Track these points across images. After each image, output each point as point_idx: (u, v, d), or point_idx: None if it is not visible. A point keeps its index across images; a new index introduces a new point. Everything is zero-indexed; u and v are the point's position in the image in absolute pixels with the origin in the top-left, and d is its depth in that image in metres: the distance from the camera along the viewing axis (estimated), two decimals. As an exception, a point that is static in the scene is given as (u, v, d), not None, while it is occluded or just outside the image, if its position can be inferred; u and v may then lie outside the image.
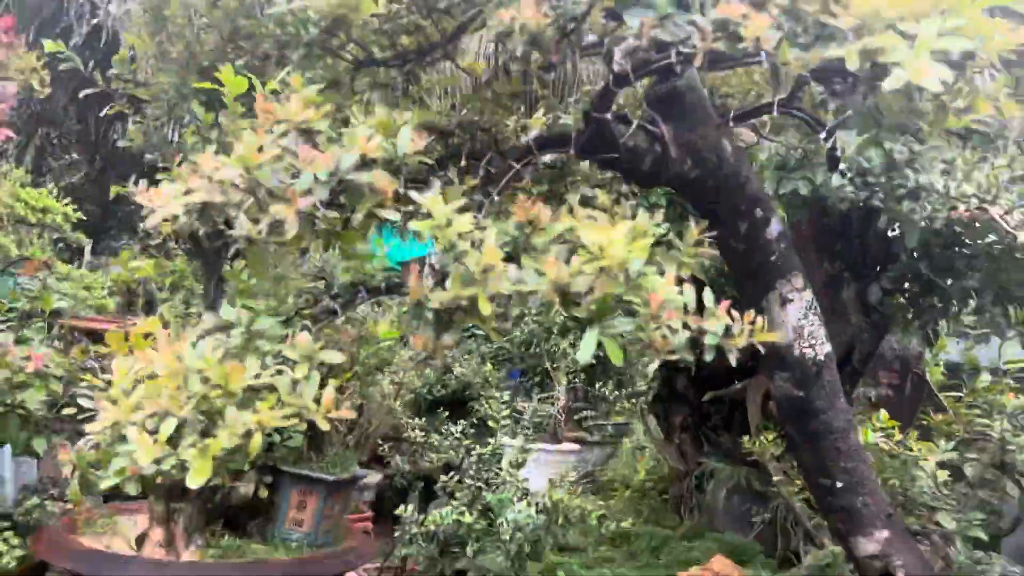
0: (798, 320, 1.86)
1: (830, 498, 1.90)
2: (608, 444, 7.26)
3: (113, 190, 4.25)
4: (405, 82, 1.49)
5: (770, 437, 3.61)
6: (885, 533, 1.85)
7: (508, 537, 2.75)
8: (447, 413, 5.10)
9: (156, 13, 4.07)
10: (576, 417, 6.54)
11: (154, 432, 1.13)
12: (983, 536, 2.01)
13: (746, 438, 3.48)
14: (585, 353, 1.01)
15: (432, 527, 2.94)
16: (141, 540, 3.51)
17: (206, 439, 1.05)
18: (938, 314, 3.55)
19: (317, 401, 1.08)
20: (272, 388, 1.12)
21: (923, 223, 2.06)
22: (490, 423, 3.18)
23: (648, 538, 4.41)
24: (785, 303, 1.85)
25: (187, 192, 1.16)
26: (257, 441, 1.05)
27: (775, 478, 4.14)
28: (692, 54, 1.08)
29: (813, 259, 3.96)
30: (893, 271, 3.51)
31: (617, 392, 6.45)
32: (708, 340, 1.11)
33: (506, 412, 3.18)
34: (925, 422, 2.25)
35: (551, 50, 1.16)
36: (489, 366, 6.13)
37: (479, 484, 2.94)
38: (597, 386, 6.28)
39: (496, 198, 1.47)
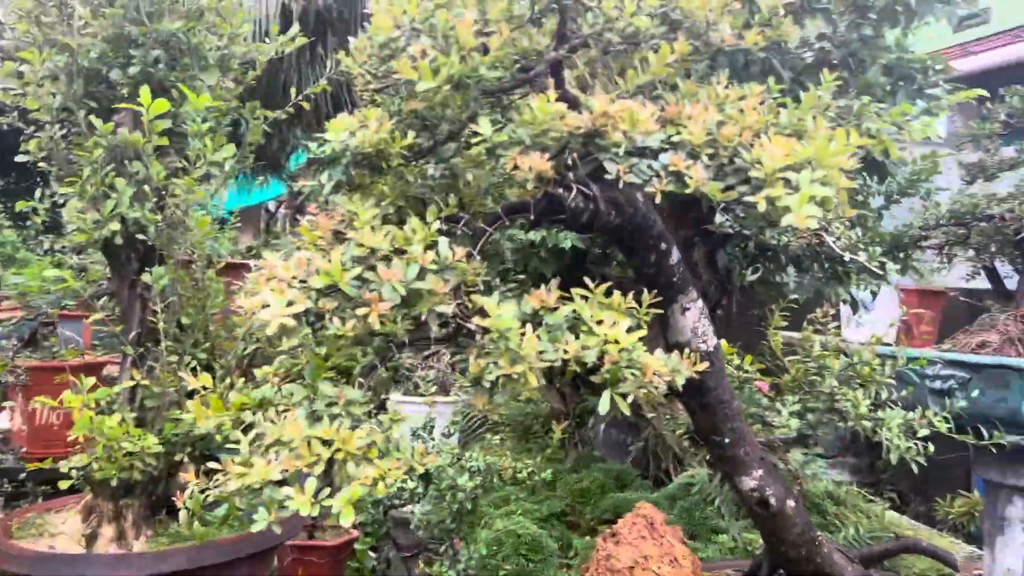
0: (694, 323, 2.46)
1: (720, 451, 2.54)
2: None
3: (20, 204, 4.26)
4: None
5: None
6: (760, 472, 2.53)
7: (449, 497, 3.27)
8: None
9: (33, 20, 4.09)
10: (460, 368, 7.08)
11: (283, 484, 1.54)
12: (822, 464, 2.76)
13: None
14: (603, 408, 1.52)
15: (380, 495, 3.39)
16: (92, 538, 3.73)
17: (340, 491, 1.48)
18: (774, 272, 4.38)
19: (412, 454, 1.53)
20: (372, 444, 1.56)
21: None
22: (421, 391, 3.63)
23: (542, 473, 5.07)
24: (684, 311, 2.44)
25: (289, 304, 1.55)
26: (381, 489, 1.49)
27: (649, 414, 4.90)
28: (652, 193, 1.58)
29: (672, 225, 4.65)
30: (734, 243, 4.27)
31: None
32: (678, 380, 1.66)
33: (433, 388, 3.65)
34: (777, 381, 2.95)
35: (550, 185, 1.62)
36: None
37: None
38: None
39: (477, 257, 1.93)
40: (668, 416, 4.88)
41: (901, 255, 3.65)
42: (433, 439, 3.48)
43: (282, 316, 1.54)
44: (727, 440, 2.49)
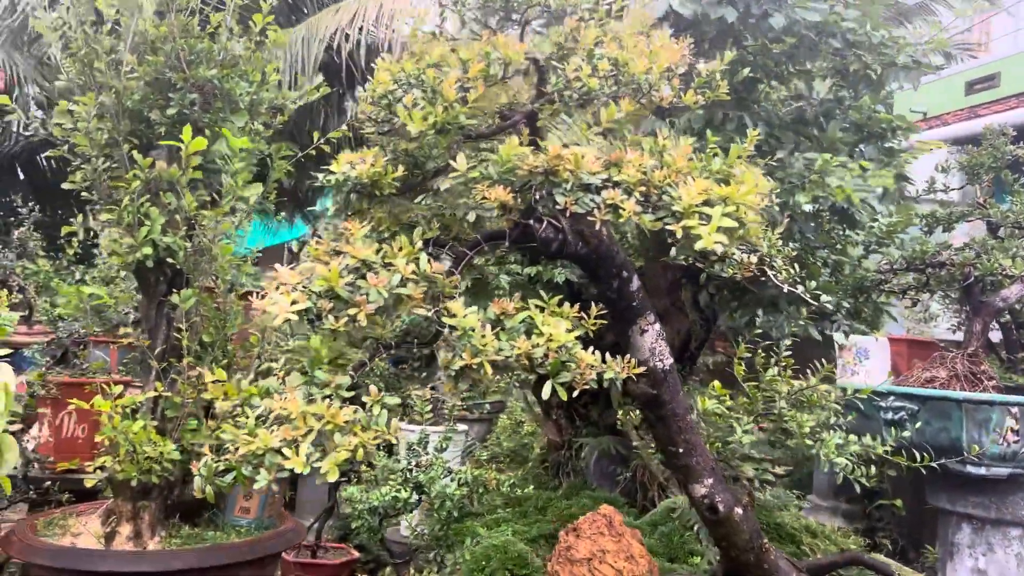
0: (651, 344, 2.78)
1: (675, 460, 2.84)
2: (486, 421, 8.21)
3: (64, 229, 4.70)
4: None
5: (633, 414, 4.59)
6: (710, 480, 2.82)
7: (438, 505, 3.56)
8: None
9: (86, 64, 4.58)
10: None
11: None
12: (772, 480, 3.04)
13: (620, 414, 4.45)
14: (545, 393, 1.85)
15: (375, 503, 3.70)
16: (110, 537, 4.05)
17: (327, 455, 1.81)
18: (747, 313, 4.71)
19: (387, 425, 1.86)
20: (356, 421, 1.89)
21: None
22: (416, 416, 3.96)
23: (535, 499, 5.32)
24: (643, 332, 2.76)
25: (293, 302, 1.90)
26: (361, 453, 1.82)
27: (635, 444, 5.18)
28: (593, 221, 1.93)
29: (659, 269, 5.00)
30: (713, 283, 4.61)
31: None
32: (607, 375, 1.99)
33: (428, 408, 3.98)
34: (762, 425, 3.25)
35: (514, 214, 1.98)
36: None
37: (412, 466, 3.73)
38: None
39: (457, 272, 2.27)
40: (655, 450, 5.15)
41: (862, 298, 3.95)
42: (427, 453, 3.79)
43: (287, 312, 1.89)
44: (681, 450, 2.79)
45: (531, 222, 2.39)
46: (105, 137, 4.42)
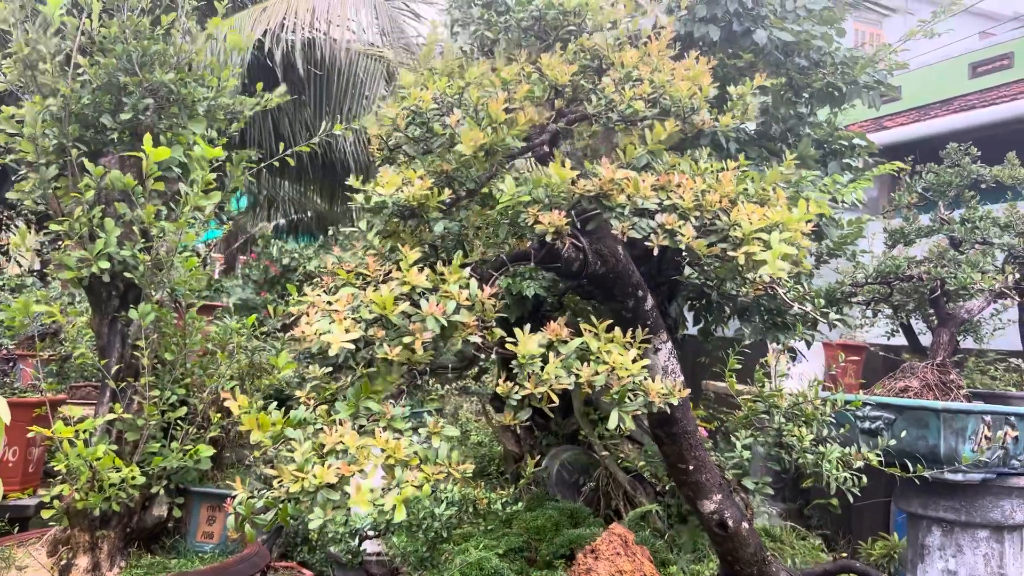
0: (664, 361, 2.79)
1: (684, 476, 2.86)
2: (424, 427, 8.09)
3: (13, 242, 4.36)
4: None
5: (601, 426, 4.61)
6: (719, 496, 2.86)
7: (426, 526, 3.48)
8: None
9: (29, 65, 4.31)
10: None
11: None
12: (771, 491, 3.10)
13: (595, 429, 4.45)
14: (611, 424, 1.83)
15: (357, 524, 3.58)
16: (66, 569, 3.80)
17: (390, 491, 1.73)
18: (715, 323, 4.80)
19: (448, 458, 1.80)
20: (415, 453, 1.82)
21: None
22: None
23: (499, 512, 5.28)
24: (656, 351, 2.77)
25: (347, 331, 1.81)
26: (427, 489, 1.75)
27: (602, 454, 5.20)
28: (651, 249, 1.92)
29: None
30: (685, 292, 4.67)
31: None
32: (672, 400, 1.98)
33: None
34: (728, 419, 3.30)
35: (566, 237, 1.94)
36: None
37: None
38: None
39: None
40: (621, 457, 5.19)
41: (833, 309, 4.09)
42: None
43: (342, 342, 1.80)
44: (691, 467, 2.81)
45: (556, 243, 2.36)
46: (53, 143, 4.15)
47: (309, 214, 13.42)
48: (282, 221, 14.14)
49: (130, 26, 4.26)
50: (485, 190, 2.16)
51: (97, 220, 3.88)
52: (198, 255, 4.51)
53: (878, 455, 3.15)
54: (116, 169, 4.16)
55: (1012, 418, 3.39)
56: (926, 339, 4.90)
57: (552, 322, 1.94)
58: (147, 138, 3.68)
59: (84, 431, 3.70)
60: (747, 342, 3.51)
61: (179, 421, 4.11)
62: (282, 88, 4.54)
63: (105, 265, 3.83)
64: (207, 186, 4.04)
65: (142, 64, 4.27)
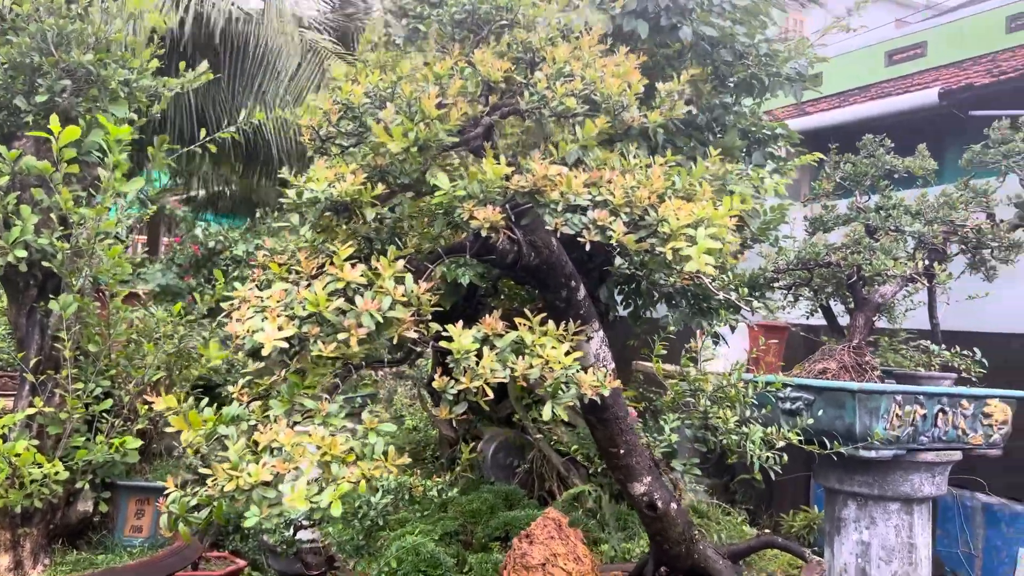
0: (596, 349, 2.86)
1: (615, 460, 2.94)
2: (355, 415, 8.08)
3: None
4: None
5: (535, 409, 4.69)
6: (649, 478, 2.95)
7: (362, 515, 3.49)
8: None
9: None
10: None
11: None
12: (698, 472, 3.22)
13: (529, 413, 4.51)
14: (546, 416, 1.87)
15: (291, 514, 3.56)
16: (-14, 569, 3.68)
17: (326, 487, 1.74)
18: (644, 307, 4.92)
19: (384, 454, 1.81)
20: (351, 450, 1.83)
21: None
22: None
23: (435, 496, 5.31)
24: (589, 339, 2.83)
25: (280, 328, 1.81)
26: (363, 487, 1.76)
27: (536, 436, 5.28)
28: (582, 242, 1.97)
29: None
30: (616, 277, 4.77)
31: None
32: (603, 391, 2.03)
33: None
34: (657, 399, 3.40)
35: (499, 230, 1.97)
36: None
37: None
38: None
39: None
40: (554, 440, 5.28)
41: (757, 294, 4.24)
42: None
43: (275, 340, 1.80)
44: (622, 451, 2.89)
45: (491, 236, 2.38)
46: (-42, 127, 3.97)
47: (233, 187, 13.04)
48: (202, 193, 13.70)
49: (44, 4, 4.09)
50: (419, 179, 2.17)
51: (12, 207, 3.73)
52: (121, 241, 4.36)
53: (798, 434, 3.30)
54: (31, 154, 4.01)
55: (921, 397, 3.59)
56: (844, 319, 5.12)
57: (488, 315, 1.97)
58: (53, 118, 3.54)
59: (3, 426, 3.59)
60: (673, 329, 3.60)
61: (104, 414, 4.01)
62: (204, 65, 4.42)
63: (22, 254, 3.69)
64: (126, 170, 3.92)
65: (58, 44, 4.10)
